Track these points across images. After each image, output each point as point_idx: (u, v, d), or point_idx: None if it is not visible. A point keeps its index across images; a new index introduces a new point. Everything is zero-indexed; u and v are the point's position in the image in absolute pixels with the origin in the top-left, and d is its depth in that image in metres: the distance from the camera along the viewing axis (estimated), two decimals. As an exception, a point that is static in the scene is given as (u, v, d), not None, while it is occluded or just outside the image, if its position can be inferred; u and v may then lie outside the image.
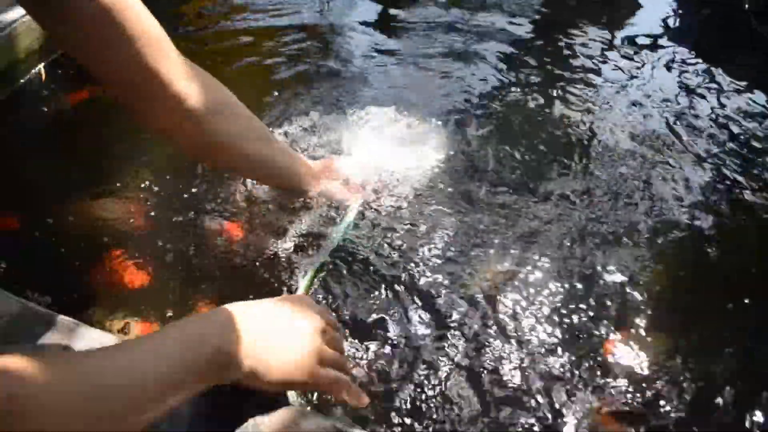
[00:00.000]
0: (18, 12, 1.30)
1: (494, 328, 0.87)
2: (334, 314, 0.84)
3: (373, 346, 0.84)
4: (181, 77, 0.77)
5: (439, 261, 0.96)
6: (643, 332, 0.88)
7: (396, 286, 0.91)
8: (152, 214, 1.03)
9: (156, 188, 1.07)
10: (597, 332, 0.87)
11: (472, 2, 1.70)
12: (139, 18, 0.70)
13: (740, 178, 1.14)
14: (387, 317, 0.88)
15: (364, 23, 1.62)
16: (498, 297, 0.91)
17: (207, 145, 0.85)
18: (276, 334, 0.63)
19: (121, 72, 0.73)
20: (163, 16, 0.75)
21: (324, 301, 0.89)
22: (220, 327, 0.59)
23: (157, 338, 0.56)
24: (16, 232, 1.00)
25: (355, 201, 1.03)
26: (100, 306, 0.88)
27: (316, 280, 0.92)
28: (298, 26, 1.57)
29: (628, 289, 0.93)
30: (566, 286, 0.93)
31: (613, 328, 0.87)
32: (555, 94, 1.33)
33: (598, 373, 0.82)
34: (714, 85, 1.38)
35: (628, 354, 0.85)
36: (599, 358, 0.84)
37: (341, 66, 1.43)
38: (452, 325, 0.87)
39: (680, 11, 1.71)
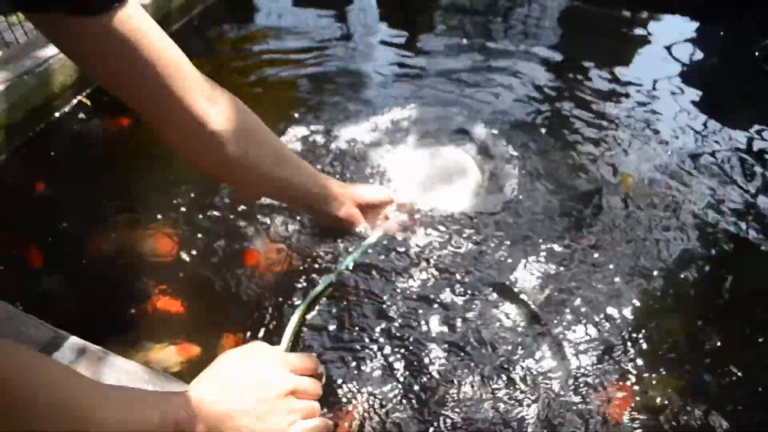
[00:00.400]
0: (53, 50, 1.37)
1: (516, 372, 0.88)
2: (314, 354, 0.82)
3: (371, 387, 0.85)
4: (203, 100, 0.78)
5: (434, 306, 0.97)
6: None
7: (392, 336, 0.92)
8: (184, 241, 1.06)
9: (188, 215, 1.11)
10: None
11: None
12: (155, 44, 0.72)
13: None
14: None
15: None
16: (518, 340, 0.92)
17: (230, 168, 0.85)
18: (241, 415, 0.64)
19: (140, 97, 0.75)
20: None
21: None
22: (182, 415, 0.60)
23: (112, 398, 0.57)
24: (47, 260, 1.03)
25: (374, 231, 1.05)
26: (132, 333, 0.91)
27: (319, 301, 0.94)
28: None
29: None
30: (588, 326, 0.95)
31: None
32: (568, 136, 1.36)
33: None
34: (724, 129, 1.41)
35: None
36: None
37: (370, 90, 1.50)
38: (450, 370, 0.87)
39: (692, 59, 1.74)
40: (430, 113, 1.41)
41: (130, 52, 0.69)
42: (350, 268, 0.99)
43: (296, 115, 1.39)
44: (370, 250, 1.03)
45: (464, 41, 1.76)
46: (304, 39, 1.75)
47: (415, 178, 1.19)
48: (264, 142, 0.89)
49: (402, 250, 1.04)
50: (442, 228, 1.09)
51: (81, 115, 1.40)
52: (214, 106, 0.79)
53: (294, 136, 1.31)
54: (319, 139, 1.31)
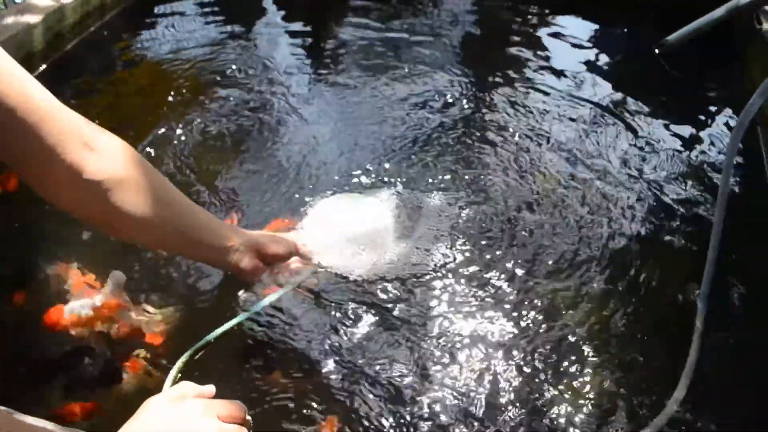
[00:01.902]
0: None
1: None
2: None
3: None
4: (78, 147, 0.73)
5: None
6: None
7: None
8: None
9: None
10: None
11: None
12: (21, 92, 0.67)
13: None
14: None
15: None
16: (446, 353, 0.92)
17: (111, 217, 0.79)
18: None
19: (7, 147, 0.69)
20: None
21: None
22: None
23: None
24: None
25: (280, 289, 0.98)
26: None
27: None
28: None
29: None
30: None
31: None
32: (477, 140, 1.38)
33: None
34: (634, 124, 1.46)
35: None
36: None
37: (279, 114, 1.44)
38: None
39: (596, 58, 1.80)
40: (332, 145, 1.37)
41: None
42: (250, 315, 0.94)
43: (199, 137, 1.34)
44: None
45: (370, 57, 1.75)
46: (212, 52, 1.69)
47: (326, 224, 1.10)
48: (153, 190, 0.81)
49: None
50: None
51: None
52: (91, 153, 0.74)
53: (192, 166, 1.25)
54: (221, 172, 1.25)
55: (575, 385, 0.89)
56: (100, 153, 0.75)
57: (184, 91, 1.53)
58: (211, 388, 0.72)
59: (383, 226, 1.11)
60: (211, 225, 0.91)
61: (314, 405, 0.84)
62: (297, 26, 1.89)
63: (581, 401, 0.87)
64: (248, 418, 0.71)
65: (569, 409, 0.86)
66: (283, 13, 1.97)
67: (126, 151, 0.80)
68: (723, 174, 1.03)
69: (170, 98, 1.49)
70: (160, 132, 1.32)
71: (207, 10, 1.95)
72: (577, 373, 0.90)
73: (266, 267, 0.98)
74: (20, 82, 0.67)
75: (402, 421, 0.83)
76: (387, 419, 0.83)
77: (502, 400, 0.86)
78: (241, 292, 0.99)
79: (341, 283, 1.02)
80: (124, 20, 1.84)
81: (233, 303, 0.98)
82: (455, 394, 0.87)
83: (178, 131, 1.35)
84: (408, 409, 0.85)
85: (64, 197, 0.77)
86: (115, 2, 1.85)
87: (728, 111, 1.57)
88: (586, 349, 0.94)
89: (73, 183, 0.74)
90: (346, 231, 1.08)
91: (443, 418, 0.84)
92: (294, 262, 1.01)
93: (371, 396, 0.86)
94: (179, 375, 0.83)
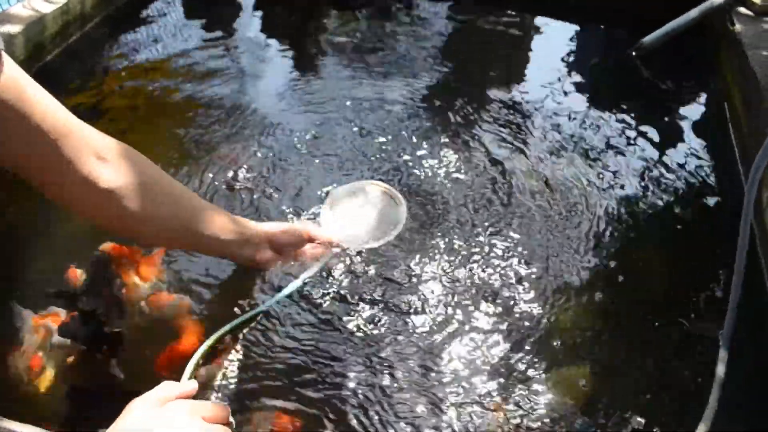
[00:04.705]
0: None
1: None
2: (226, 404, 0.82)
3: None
4: (92, 159, 0.76)
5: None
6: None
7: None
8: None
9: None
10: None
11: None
12: (40, 106, 0.70)
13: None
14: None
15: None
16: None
17: (127, 223, 0.83)
18: None
19: (28, 163, 0.73)
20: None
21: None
22: None
23: None
24: None
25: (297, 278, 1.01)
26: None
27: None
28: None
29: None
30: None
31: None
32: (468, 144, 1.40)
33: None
34: (609, 125, 1.49)
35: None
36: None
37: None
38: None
39: (574, 60, 1.83)
40: (335, 144, 1.39)
41: (16, 119, 0.68)
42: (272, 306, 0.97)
43: (192, 149, 1.35)
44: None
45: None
46: (193, 61, 1.70)
47: (339, 213, 1.15)
48: (164, 193, 0.87)
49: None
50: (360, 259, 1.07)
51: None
52: (104, 163, 0.78)
53: (190, 170, 1.27)
54: (218, 171, 1.27)
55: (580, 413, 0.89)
56: (112, 163, 0.79)
57: (164, 98, 1.54)
58: (192, 385, 0.74)
59: (392, 203, 1.18)
60: (223, 220, 0.94)
61: (302, 406, 0.85)
62: (279, 34, 1.90)
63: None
64: (231, 420, 0.73)
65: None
66: (262, 21, 1.99)
67: (139, 160, 0.84)
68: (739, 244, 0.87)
69: (152, 105, 1.50)
70: (142, 140, 1.33)
71: (189, 17, 1.96)
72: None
73: (279, 257, 1.01)
74: (43, 101, 0.71)
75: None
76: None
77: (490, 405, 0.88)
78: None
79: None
80: (105, 29, 1.85)
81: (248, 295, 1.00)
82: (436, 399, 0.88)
83: (160, 137, 1.36)
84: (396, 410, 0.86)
85: (81, 206, 0.81)
86: (96, 11, 1.85)
87: (702, 112, 1.61)
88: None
89: (88, 193, 0.77)
90: (358, 212, 1.16)
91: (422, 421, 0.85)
92: (310, 249, 1.05)
93: (361, 397, 0.87)
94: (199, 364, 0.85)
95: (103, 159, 0.78)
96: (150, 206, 0.83)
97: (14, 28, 1.52)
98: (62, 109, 0.75)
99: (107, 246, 0.99)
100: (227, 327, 0.92)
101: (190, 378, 0.83)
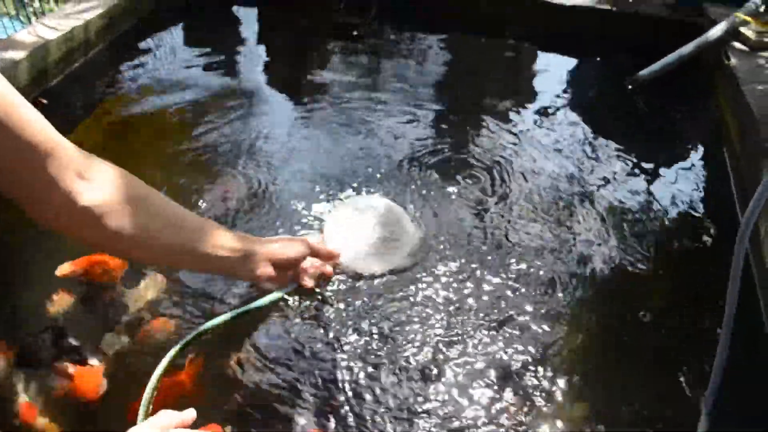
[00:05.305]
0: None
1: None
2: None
3: None
4: (72, 176, 0.76)
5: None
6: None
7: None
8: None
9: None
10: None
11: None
12: (23, 124, 0.70)
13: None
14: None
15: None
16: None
17: (111, 240, 0.82)
18: None
19: (6, 177, 0.72)
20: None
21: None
22: None
23: None
24: None
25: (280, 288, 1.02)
26: None
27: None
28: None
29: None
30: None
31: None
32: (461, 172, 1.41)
33: None
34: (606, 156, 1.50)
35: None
36: None
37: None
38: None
39: (570, 92, 1.85)
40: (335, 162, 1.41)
41: (2, 134, 0.67)
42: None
43: (193, 168, 1.36)
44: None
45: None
46: (194, 88, 1.71)
47: (344, 226, 1.16)
48: (153, 210, 0.85)
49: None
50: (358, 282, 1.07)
51: None
52: (86, 182, 0.77)
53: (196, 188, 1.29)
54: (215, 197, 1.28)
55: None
56: (93, 181, 0.78)
57: (163, 123, 1.55)
58: (191, 414, 0.73)
59: (398, 223, 1.18)
60: (220, 236, 0.92)
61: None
62: (281, 57, 1.93)
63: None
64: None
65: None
66: (263, 47, 2.02)
67: (119, 177, 0.82)
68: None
69: (151, 130, 1.52)
70: (143, 162, 1.34)
71: (192, 44, 1.99)
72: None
73: (279, 273, 0.99)
74: (29, 116, 0.71)
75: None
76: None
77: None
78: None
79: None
80: (109, 56, 1.87)
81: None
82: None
83: (158, 161, 1.37)
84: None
85: (60, 224, 0.80)
86: (99, 39, 1.88)
87: (698, 146, 1.62)
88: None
89: (68, 210, 0.77)
90: (363, 231, 1.15)
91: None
92: (310, 265, 1.04)
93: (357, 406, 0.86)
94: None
95: (83, 177, 0.77)
96: (135, 224, 0.82)
97: (19, 54, 1.53)
98: (48, 125, 0.74)
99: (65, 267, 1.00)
100: (171, 353, 0.89)
101: (146, 411, 0.81)
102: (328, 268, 1.07)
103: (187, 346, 0.91)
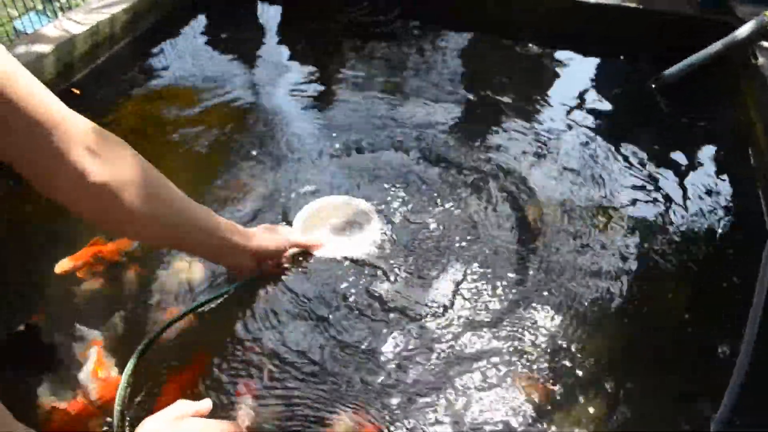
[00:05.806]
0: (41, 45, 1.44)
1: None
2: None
3: None
4: (83, 152, 0.75)
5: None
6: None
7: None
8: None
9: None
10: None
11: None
12: (26, 97, 0.70)
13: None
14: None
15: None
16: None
17: (115, 219, 0.83)
18: None
19: (13, 151, 0.73)
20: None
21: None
22: None
23: None
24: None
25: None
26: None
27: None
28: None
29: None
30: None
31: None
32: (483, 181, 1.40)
33: None
34: (625, 156, 1.48)
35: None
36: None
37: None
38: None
39: (594, 92, 1.83)
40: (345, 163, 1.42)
41: (7, 108, 0.67)
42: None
43: (209, 161, 1.38)
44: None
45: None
46: (214, 84, 1.73)
47: (312, 223, 1.21)
48: (157, 192, 0.86)
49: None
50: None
51: None
52: (97, 157, 0.76)
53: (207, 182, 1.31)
54: (230, 185, 1.31)
55: None
56: (104, 158, 0.77)
57: (183, 119, 1.56)
58: (207, 404, 0.73)
59: (365, 214, 1.24)
60: (213, 224, 0.95)
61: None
62: (300, 56, 1.93)
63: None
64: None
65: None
66: (286, 44, 2.02)
67: (135, 158, 0.83)
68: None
69: (169, 126, 1.53)
70: (163, 154, 1.37)
71: (216, 40, 2.00)
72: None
73: (261, 265, 1.05)
74: (34, 90, 0.71)
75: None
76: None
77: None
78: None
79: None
80: (133, 50, 1.89)
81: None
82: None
83: (175, 157, 1.39)
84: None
85: (68, 198, 0.79)
86: (124, 33, 1.90)
87: (723, 144, 1.59)
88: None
89: (77, 186, 0.76)
90: (333, 222, 1.22)
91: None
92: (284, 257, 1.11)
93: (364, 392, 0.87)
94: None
95: (94, 153, 0.77)
96: (138, 202, 0.82)
97: (45, 48, 1.56)
98: (55, 100, 0.74)
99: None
100: (140, 347, 0.93)
101: (119, 408, 0.82)
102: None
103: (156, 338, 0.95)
